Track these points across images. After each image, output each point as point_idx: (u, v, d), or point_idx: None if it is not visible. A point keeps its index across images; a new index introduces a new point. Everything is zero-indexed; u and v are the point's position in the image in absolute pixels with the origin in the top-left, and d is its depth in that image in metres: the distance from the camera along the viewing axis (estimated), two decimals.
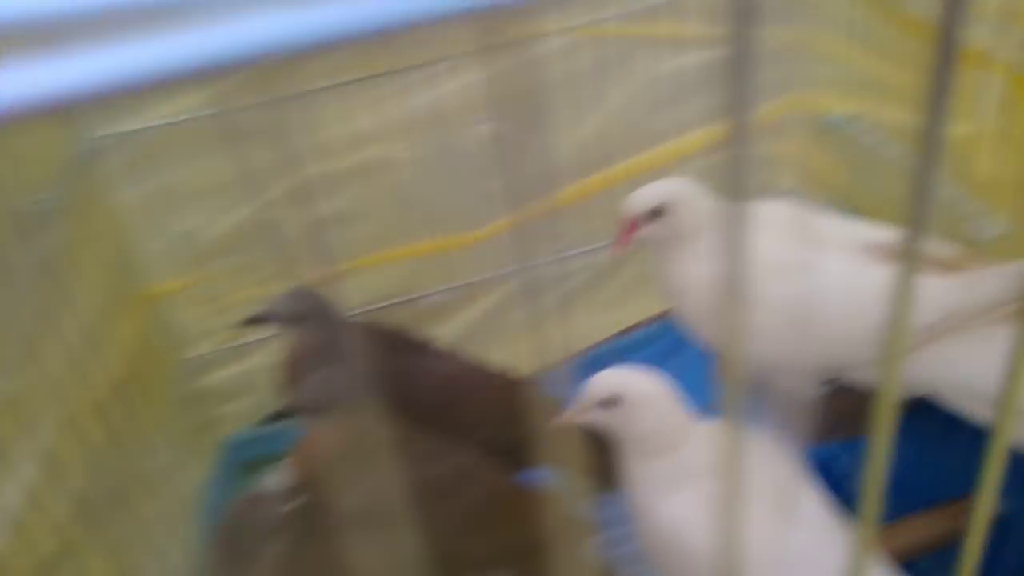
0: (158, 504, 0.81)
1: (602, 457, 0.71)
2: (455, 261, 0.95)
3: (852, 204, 0.91)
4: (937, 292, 0.65)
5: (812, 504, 0.66)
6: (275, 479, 1.05)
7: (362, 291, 0.96)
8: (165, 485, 0.84)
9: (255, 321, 0.82)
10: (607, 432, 0.67)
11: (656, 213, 0.77)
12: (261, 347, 0.98)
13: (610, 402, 0.65)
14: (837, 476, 1.02)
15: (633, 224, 0.79)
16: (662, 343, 1.10)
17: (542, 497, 0.85)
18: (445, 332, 1.01)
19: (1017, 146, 0.63)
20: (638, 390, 0.64)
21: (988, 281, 0.63)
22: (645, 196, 0.78)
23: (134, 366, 0.83)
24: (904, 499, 0.91)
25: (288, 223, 0.90)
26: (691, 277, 0.78)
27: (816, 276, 0.71)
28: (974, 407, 0.64)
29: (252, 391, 1.03)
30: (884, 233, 0.71)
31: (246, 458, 1.10)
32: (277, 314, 0.80)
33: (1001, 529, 0.80)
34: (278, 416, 0.72)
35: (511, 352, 1.02)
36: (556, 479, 1.08)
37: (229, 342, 0.96)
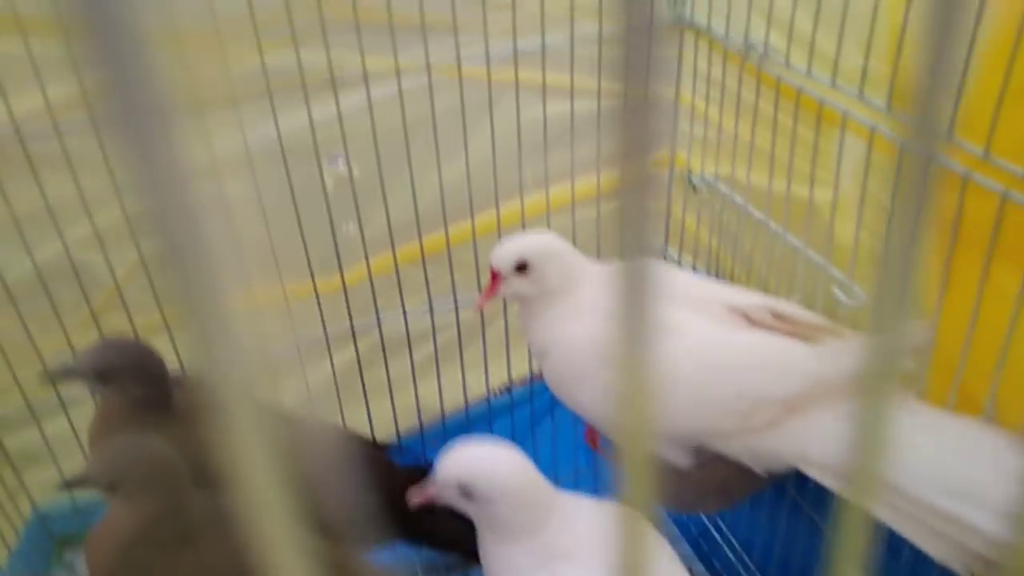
0: None
1: (464, 533, 0.65)
2: (301, 312, 0.86)
3: (719, 266, 0.89)
4: (798, 358, 0.64)
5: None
6: (81, 564, 0.92)
7: None
8: None
9: (61, 375, 0.70)
10: (465, 513, 0.62)
11: (520, 268, 0.73)
12: (74, 406, 0.85)
13: (464, 491, 0.61)
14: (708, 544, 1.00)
15: (496, 278, 0.74)
16: (535, 404, 1.05)
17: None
18: (290, 392, 0.91)
19: (872, 212, 0.62)
20: (490, 482, 0.60)
21: (848, 352, 0.62)
22: (509, 250, 0.74)
23: None
24: (781, 570, 0.90)
25: (100, 265, 0.79)
26: (558, 337, 0.74)
27: (679, 339, 0.68)
28: (835, 481, 0.62)
29: (66, 456, 0.90)
30: (748, 297, 0.70)
31: (59, 532, 0.97)
32: (84, 368, 0.69)
33: None
34: (74, 484, 0.61)
35: (366, 415, 0.95)
36: (410, 555, 1.01)
37: (34, 398, 0.83)
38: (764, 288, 0.74)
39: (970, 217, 0.53)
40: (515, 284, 0.74)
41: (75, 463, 0.90)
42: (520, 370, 1.03)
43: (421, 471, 0.88)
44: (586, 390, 0.74)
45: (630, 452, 0.15)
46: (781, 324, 0.68)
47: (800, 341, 0.65)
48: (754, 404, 0.64)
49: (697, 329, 0.69)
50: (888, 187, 0.59)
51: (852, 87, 0.64)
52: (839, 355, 0.62)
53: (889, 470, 0.55)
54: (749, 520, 0.94)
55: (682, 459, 0.74)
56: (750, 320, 0.69)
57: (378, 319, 0.91)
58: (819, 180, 0.69)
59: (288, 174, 0.77)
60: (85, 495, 0.92)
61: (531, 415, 1.05)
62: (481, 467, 0.61)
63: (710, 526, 1.00)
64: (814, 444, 0.63)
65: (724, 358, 0.67)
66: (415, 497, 0.63)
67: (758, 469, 0.69)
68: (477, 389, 1.01)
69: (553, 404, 1.06)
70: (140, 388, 0.71)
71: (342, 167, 0.83)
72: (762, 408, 0.64)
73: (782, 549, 0.88)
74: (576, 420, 1.07)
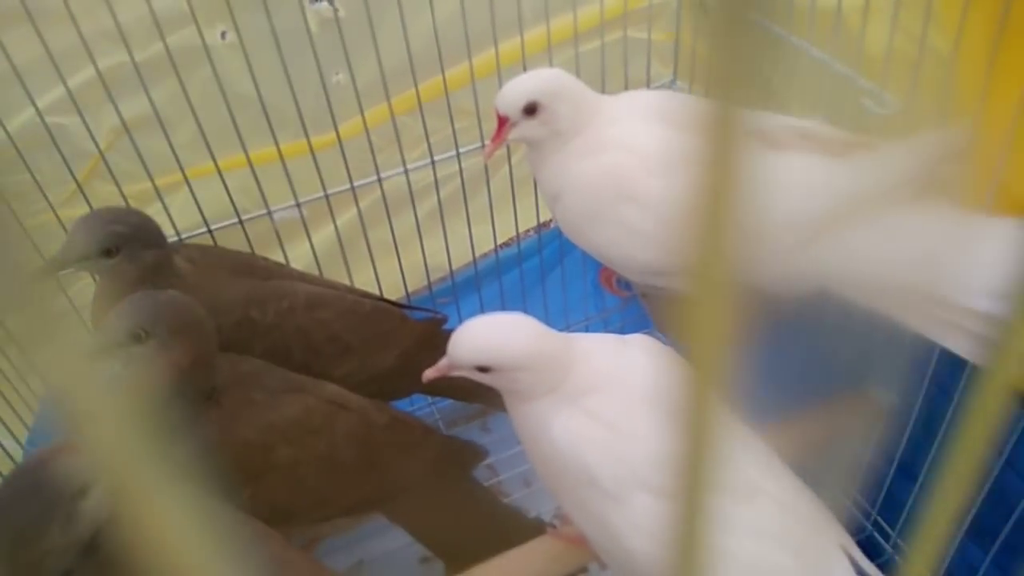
0: None
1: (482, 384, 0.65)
2: (300, 171, 0.82)
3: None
4: (826, 175, 0.61)
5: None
6: None
7: (188, 211, 0.82)
8: None
9: (62, 263, 0.67)
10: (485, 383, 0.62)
11: (530, 110, 0.69)
12: (72, 283, 0.83)
13: (481, 369, 0.60)
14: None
15: (504, 123, 0.70)
16: (543, 254, 1.03)
17: (421, 428, 0.78)
18: (297, 255, 0.89)
19: (908, 12, 0.58)
20: (505, 356, 0.59)
21: (880, 162, 0.59)
22: (517, 91, 0.70)
23: None
24: (797, 396, 0.91)
25: (80, 129, 0.74)
26: (571, 177, 0.71)
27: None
28: (866, 296, 0.61)
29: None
30: (771, 119, 0.66)
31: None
32: (90, 248, 0.66)
33: (913, 436, 0.81)
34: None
35: (377, 273, 0.92)
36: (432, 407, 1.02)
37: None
38: (786, 110, 0.70)
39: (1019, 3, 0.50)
40: (524, 127, 0.71)
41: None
42: (527, 221, 1.00)
43: (436, 324, 0.88)
44: (603, 229, 0.72)
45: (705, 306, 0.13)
46: (807, 143, 0.65)
47: (829, 158, 0.63)
48: (781, 225, 0.63)
49: None
50: None
51: None
52: (870, 168, 0.60)
53: (933, 282, 0.53)
54: (768, 353, 0.95)
55: None
56: (774, 142, 0.66)
57: (378, 175, 0.87)
58: None
59: (269, 18, 0.71)
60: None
61: (540, 265, 1.03)
62: (494, 344, 0.60)
63: None
64: (846, 262, 0.61)
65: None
66: (430, 373, 0.62)
67: (785, 294, 0.68)
68: (484, 242, 0.99)
69: (562, 254, 1.05)
70: (149, 255, 0.68)
71: (326, 6, 0.76)
72: (789, 229, 0.63)
73: (798, 374, 0.89)
74: (586, 267, 1.06)
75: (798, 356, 0.87)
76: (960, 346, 0.57)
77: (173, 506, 0.12)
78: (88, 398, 0.11)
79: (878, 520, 0.85)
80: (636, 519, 0.58)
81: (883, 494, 0.83)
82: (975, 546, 0.75)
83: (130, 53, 0.70)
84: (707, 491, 0.15)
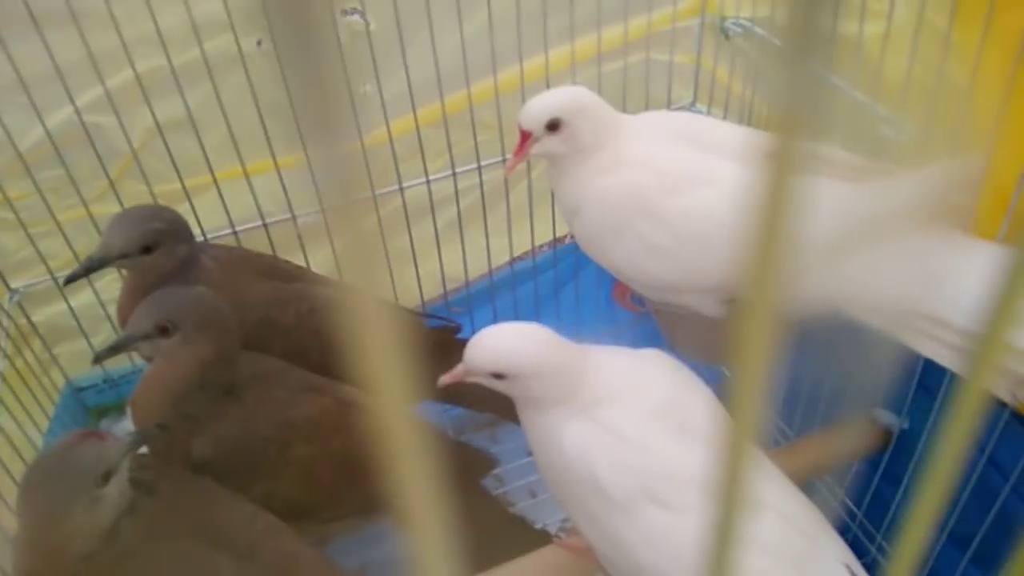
0: None
1: (496, 392, 0.66)
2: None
3: (752, 118, 0.87)
4: (843, 198, 0.63)
5: (720, 428, 0.63)
6: (121, 425, 0.94)
7: (214, 213, 0.84)
8: None
9: (87, 271, 0.69)
10: (499, 391, 0.63)
11: (552, 126, 0.71)
12: (98, 278, 0.84)
13: (497, 375, 0.61)
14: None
15: (526, 138, 0.72)
16: (558, 268, 1.05)
17: (434, 431, 0.79)
18: (318, 259, 0.91)
19: (928, 43, 0.59)
20: (520, 363, 0.60)
21: (894, 188, 0.60)
22: (540, 107, 0.71)
23: None
24: (804, 417, 0.92)
25: (117, 129, 0.76)
26: (590, 193, 0.72)
27: (718, 188, 0.67)
28: (876, 319, 0.62)
29: (93, 329, 0.89)
30: None
31: (92, 404, 0.98)
32: (130, 246, 0.68)
33: (900, 443, 0.82)
34: (113, 350, 0.61)
35: (393, 280, 0.94)
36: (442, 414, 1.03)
37: (57, 272, 0.82)
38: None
39: None
40: (546, 143, 0.72)
41: (104, 336, 0.90)
42: (543, 235, 1.02)
43: (450, 332, 0.89)
44: (620, 244, 0.73)
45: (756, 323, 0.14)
46: (825, 168, 0.66)
47: (844, 182, 0.64)
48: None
49: (736, 177, 0.67)
50: (947, 10, 0.57)
51: None
52: (884, 192, 0.61)
53: (936, 305, 0.54)
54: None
55: (714, 309, 0.74)
56: None
57: (400, 184, 0.89)
58: (871, 12, 0.66)
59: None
60: (118, 367, 0.93)
61: (555, 279, 1.05)
62: (510, 351, 0.61)
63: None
64: (859, 284, 0.62)
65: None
66: (446, 378, 0.63)
67: (797, 315, 0.69)
68: (501, 254, 1.01)
69: (577, 269, 1.06)
70: (181, 250, 0.70)
71: (358, 19, 0.78)
72: (805, 250, 0.64)
73: (807, 396, 0.90)
74: (600, 284, 1.07)
75: (807, 378, 0.88)
76: (949, 359, 0.58)
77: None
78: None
79: (863, 522, 0.86)
80: (643, 531, 0.59)
81: (869, 496, 0.84)
82: (955, 549, 0.75)
83: (168, 57, 0.72)
84: (741, 515, 0.16)
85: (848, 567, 0.60)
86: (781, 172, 0.13)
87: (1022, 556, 0.20)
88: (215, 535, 0.56)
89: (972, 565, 0.75)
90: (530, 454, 0.70)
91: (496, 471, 0.92)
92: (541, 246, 1.05)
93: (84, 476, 0.52)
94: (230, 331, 0.64)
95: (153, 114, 0.76)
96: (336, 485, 0.68)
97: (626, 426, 0.61)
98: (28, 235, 0.79)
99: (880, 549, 0.85)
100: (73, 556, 0.51)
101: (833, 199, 0.63)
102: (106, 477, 0.53)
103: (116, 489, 0.54)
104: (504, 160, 0.91)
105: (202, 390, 0.63)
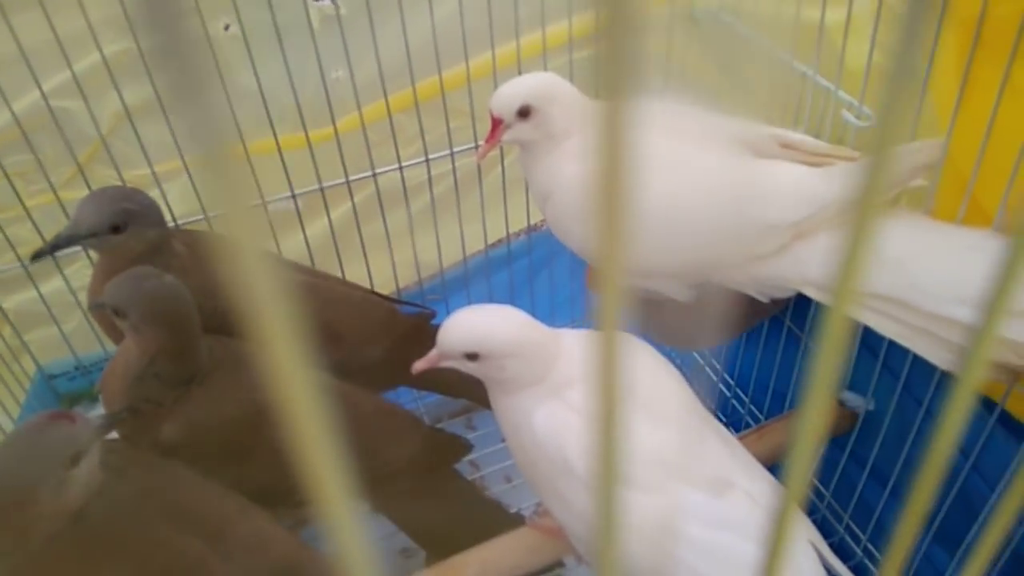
0: None
1: (469, 378, 0.67)
2: (297, 164, 0.84)
3: (722, 101, 0.88)
4: (807, 183, 0.64)
5: (688, 409, 0.64)
6: (94, 412, 0.93)
7: (184, 198, 0.83)
8: None
9: (68, 241, 0.68)
10: (472, 373, 0.63)
11: (524, 112, 0.71)
12: (72, 261, 0.84)
13: (470, 356, 0.61)
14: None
15: (497, 124, 0.72)
16: (533, 256, 1.06)
17: (406, 416, 0.80)
18: (289, 245, 0.91)
19: (888, 29, 0.60)
20: (494, 343, 0.61)
21: (856, 173, 0.62)
22: (511, 94, 0.72)
23: None
24: (774, 401, 0.94)
25: (85, 114, 0.76)
26: (561, 178, 0.73)
27: (683, 172, 0.68)
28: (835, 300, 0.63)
29: (64, 316, 0.89)
30: (754, 129, 0.69)
31: (64, 390, 0.98)
32: (98, 225, 0.67)
33: (866, 425, 0.83)
34: (95, 307, 0.62)
35: (366, 268, 0.94)
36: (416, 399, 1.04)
37: (26, 258, 0.81)
38: (769, 121, 0.73)
39: (993, 17, 0.52)
40: (518, 130, 0.72)
41: (74, 323, 0.90)
42: (518, 222, 1.02)
43: (424, 318, 0.89)
44: (590, 228, 0.74)
45: (608, 285, 0.15)
46: (789, 152, 0.67)
47: (809, 167, 0.65)
48: (762, 231, 0.65)
49: (701, 161, 0.68)
50: None
51: None
52: (848, 176, 0.62)
53: (897, 286, 0.55)
54: (745, 356, 0.97)
55: (683, 294, 0.75)
56: (757, 151, 0.69)
57: (373, 171, 0.89)
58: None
59: (272, 11, 0.73)
60: (89, 353, 0.93)
61: (529, 267, 1.05)
62: (484, 331, 0.61)
63: (704, 364, 1.04)
64: (821, 266, 0.64)
65: (731, 187, 0.66)
66: (420, 364, 0.64)
67: (762, 297, 0.70)
68: (475, 241, 1.01)
69: (551, 256, 1.07)
70: (152, 234, 0.70)
71: (328, 4, 0.78)
72: (770, 235, 0.65)
73: (777, 382, 0.92)
74: (574, 271, 1.08)
75: (772, 362, 0.90)
76: (931, 352, 0.59)
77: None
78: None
79: (850, 524, 0.87)
80: None
81: (855, 499, 0.85)
82: (942, 550, 0.77)
83: (136, 40, 0.71)
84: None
85: (813, 544, 0.62)
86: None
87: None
88: (184, 517, 0.56)
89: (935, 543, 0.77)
90: (504, 440, 0.71)
91: (471, 457, 0.93)
92: (516, 233, 1.06)
93: (53, 457, 0.52)
94: (181, 326, 0.64)
95: (121, 98, 0.75)
96: None
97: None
98: None
99: (848, 530, 0.87)
100: (40, 536, 0.51)
101: (797, 182, 0.65)
102: (75, 459, 0.53)
103: (85, 471, 0.54)
104: (477, 147, 0.91)
105: (157, 378, 0.63)
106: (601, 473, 0.17)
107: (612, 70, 0.13)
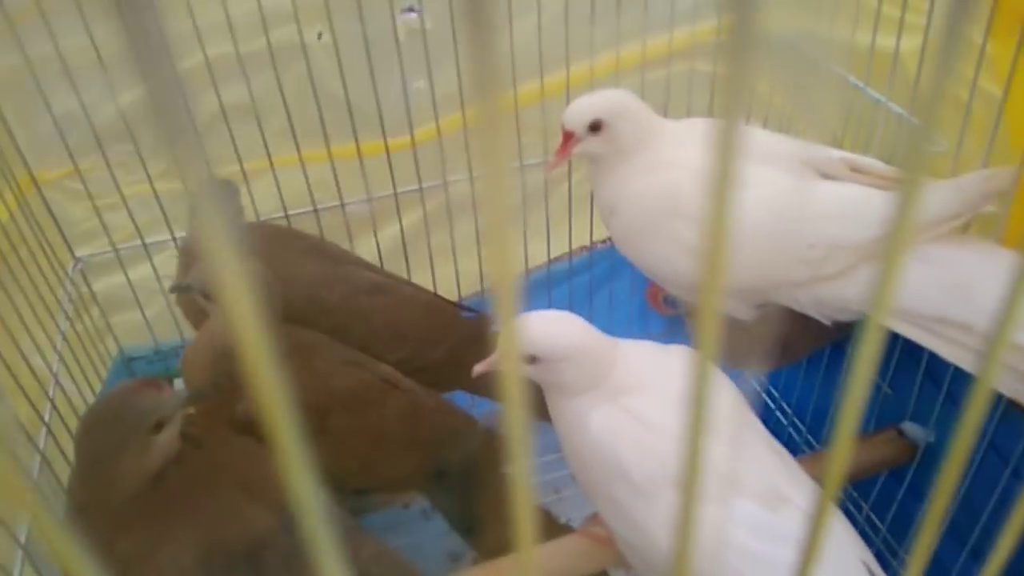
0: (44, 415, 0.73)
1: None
2: (376, 168, 0.87)
3: (791, 129, 0.89)
4: (875, 204, 0.64)
5: (748, 427, 0.65)
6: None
7: (268, 197, 0.88)
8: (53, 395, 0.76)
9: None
10: (531, 377, 0.65)
11: (595, 127, 0.74)
12: (160, 250, 0.89)
13: (529, 359, 0.63)
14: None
15: (568, 138, 0.75)
16: (594, 271, 1.07)
17: (465, 417, 0.82)
18: (362, 249, 0.94)
19: (962, 60, 0.61)
20: (553, 347, 0.62)
21: (928, 196, 0.62)
22: (584, 108, 0.74)
23: (10, 262, 0.74)
24: (832, 431, 0.92)
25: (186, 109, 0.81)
26: (629, 193, 0.75)
27: (753, 190, 0.69)
28: (907, 329, 0.63)
29: (148, 301, 0.94)
30: (825, 152, 0.70)
31: (141, 374, 1.03)
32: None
33: (926, 458, 0.82)
34: (179, 289, 0.66)
35: (432, 274, 0.97)
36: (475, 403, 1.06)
37: (119, 244, 0.87)
38: (839, 146, 0.74)
39: None
40: (588, 143, 0.75)
41: (157, 309, 0.95)
42: (581, 238, 1.04)
43: (485, 323, 0.92)
44: (655, 243, 0.75)
45: (705, 302, 0.16)
46: (859, 176, 0.68)
47: (878, 190, 0.65)
48: (828, 252, 0.65)
49: (772, 180, 0.69)
50: (982, 24, 0.58)
51: None
52: (916, 201, 0.62)
53: (965, 311, 0.55)
54: (804, 384, 0.97)
55: (745, 313, 0.76)
56: (826, 173, 0.69)
57: (445, 180, 0.92)
58: (908, 26, 0.68)
59: (363, 24, 0.77)
60: (167, 340, 0.97)
61: (590, 282, 1.07)
62: (544, 334, 0.63)
63: (760, 391, 1.03)
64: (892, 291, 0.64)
65: (798, 207, 0.67)
66: (480, 367, 0.65)
67: (824, 320, 0.70)
68: (538, 255, 1.03)
69: (611, 273, 1.08)
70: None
71: (415, 17, 0.82)
72: (836, 256, 0.65)
73: (836, 412, 0.91)
74: (634, 289, 1.09)
75: (833, 387, 0.89)
76: (997, 380, 0.59)
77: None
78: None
79: (887, 536, 0.86)
80: (664, 516, 0.61)
81: (893, 510, 0.84)
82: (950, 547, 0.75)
83: (235, 45, 0.76)
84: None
85: (866, 564, 0.61)
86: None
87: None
88: (254, 488, 0.59)
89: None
90: (556, 451, 0.72)
91: None
92: (579, 249, 1.07)
93: (139, 422, 0.55)
94: (269, 305, 0.67)
95: (219, 98, 0.80)
96: (369, 457, 0.71)
97: (651, 413, 0.62)
98: (95, 207, 0.84)
99: (903, 563, 0.85)
100: (121, 493, 0.55)
101: (865, 204, 0.65)
102: (159, 425, 0.56)
103: (167, 438, 0.57)
104: (547, 160, 0.94)
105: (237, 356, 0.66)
106: (686, 489, 0.18)
107: (732, 92, 0.14)
